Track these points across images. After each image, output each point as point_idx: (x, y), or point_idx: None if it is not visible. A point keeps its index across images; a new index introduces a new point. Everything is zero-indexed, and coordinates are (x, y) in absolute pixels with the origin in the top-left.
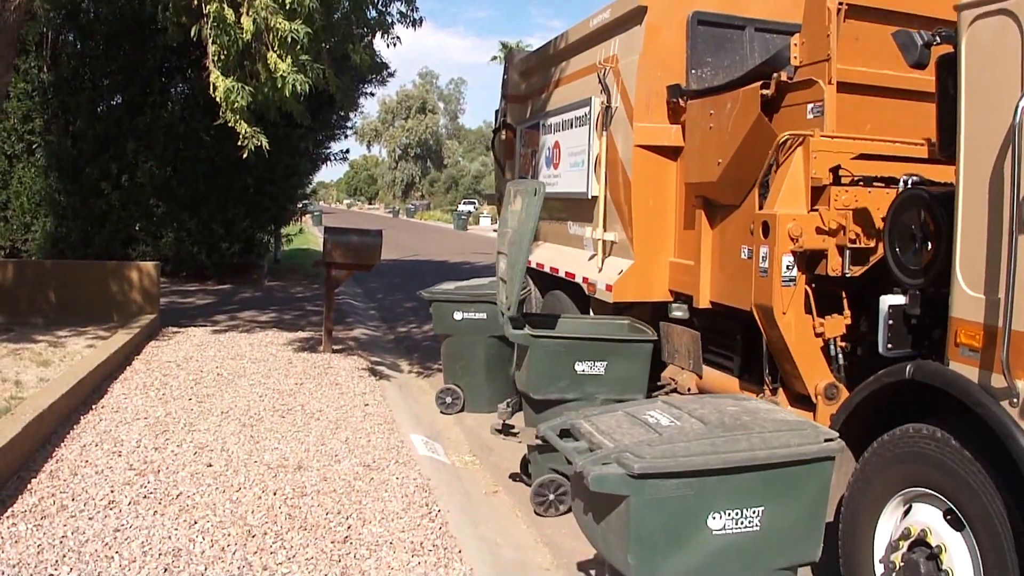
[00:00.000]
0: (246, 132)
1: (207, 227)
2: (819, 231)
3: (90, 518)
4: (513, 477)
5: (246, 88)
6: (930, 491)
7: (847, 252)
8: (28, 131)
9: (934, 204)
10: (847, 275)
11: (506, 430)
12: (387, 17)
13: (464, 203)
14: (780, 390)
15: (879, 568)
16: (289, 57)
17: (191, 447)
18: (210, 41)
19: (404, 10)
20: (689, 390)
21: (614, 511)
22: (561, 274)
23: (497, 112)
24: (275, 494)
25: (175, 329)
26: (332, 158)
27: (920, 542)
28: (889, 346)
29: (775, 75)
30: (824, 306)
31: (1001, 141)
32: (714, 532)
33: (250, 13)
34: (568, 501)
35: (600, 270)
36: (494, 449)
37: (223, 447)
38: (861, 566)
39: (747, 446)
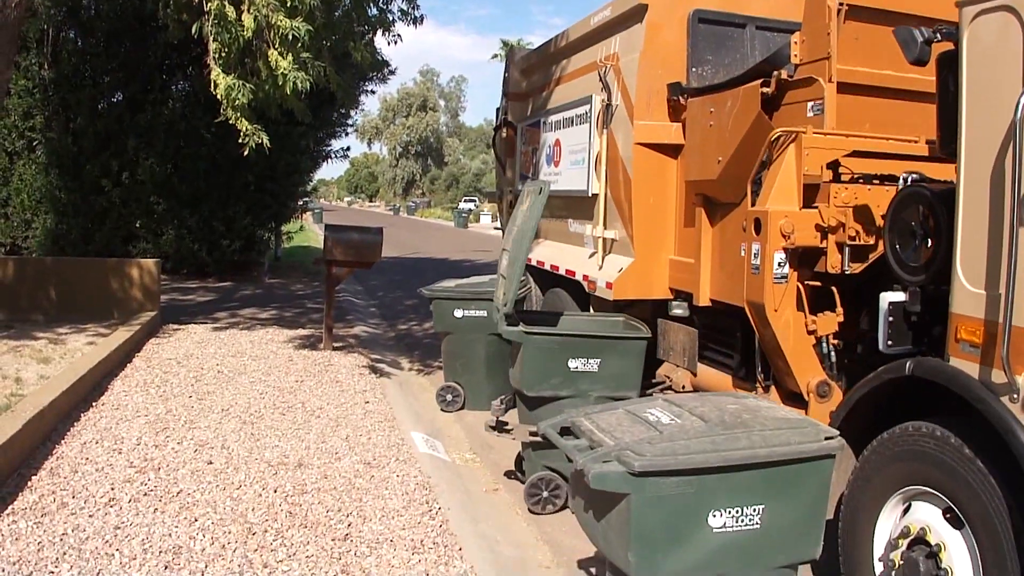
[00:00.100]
0: (247, 129)
1: (208, 224)
2: (819, 228)
3: (90, 515)
4: (508, 474)
5: (247, 85)
6: (930, 489)
7: (847, 249)
8: (29, 128)
9: (935, 201)
10: (847, 272)
11: (499, 427)
12: (388, 15)
13: (465, 201)
14: (772, 388)
15: (879, 566)
16: (290, 54)
17: (192, 444)
18: (211, 38)
19: (405, 8)
20: (684, 387)
21: (615, 509)
22: (561, 272)
23: (498, 110)
24: (275, 492)
25: (175, 326)
26: (333, 156)
27: (920, 540)
28: (889, 343)
29: (775, 73)
30: (816, 303)
31: (1002, 138)
32: (714, 530)
33: (251, 10)
34: (562, 498)
35: (600, 268)
36: (494, 447)
37: (223, 444)
38: (861, 564)
39: (747, 444)
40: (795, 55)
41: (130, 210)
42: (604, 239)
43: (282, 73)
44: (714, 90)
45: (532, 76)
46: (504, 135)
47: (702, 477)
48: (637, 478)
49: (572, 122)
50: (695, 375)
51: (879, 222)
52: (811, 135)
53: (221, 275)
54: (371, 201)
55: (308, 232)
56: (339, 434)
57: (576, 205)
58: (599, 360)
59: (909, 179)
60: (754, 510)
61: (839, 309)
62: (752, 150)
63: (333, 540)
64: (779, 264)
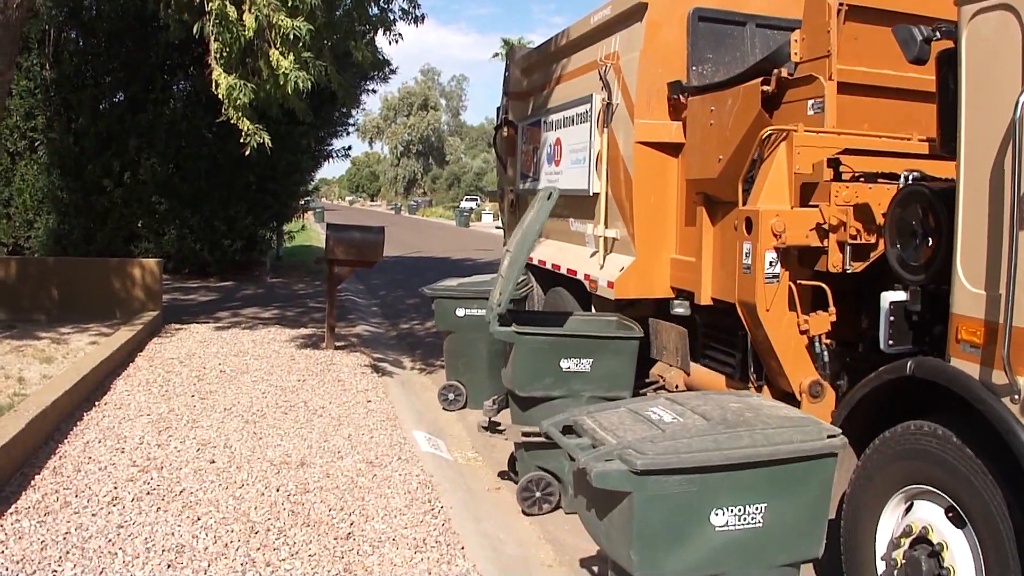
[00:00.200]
0: (248, 129)
1: (209, 224)
2: (819, 227)
3: (93, 514)
4: (502, 475)
5: (248, 85)
6: (932, 488)
7: (848, 248)
8: (30, 128)
9: (935, 200)
10: (848, 271)
11: (492, 427)
12: (389, 14)
13: (466, 200)
14: (765, 388)
15: (881, 565)
16: (291, 54)
17: (194, 443)
18: (212, 38)
19: (406, 7)
20: (677, 387)
21: (617, 507)
22: (563, 271)
23: (499, 109)
24: (278, 490)
25: (178, 326)
26: (334, 155)
27: (922, 539)
28: (890, 342)
29: (776, 71)
30: (809, 303)
31: (1002, 136)
32: (717, 528)
33: (252, 10)
34: (555, 498)
35: (602, 267)
36: (496, 446)
37: (226, 443)
38: (863, 563)
39: (750, 442)
40: (795, 53)
41: (132, 210)
42: (605, 238)
43: (283, 73)
44: (714, 88)
45: (533, 75)
46: (505, 134)
47: (704, 475)
48: (639, 476)
49: (573, 121)
50: (688, 374)
51: (880, 221)
52: (802, 133)
53: (223, 275)
54: (372, 200)
55: (310, 231)
56: (341, 433)
57: (577, 204)
58: (591, 360)
59: (910, 177)
60: (756, 508)
61: (831, 309)
62: (752, 149)
63: (335, 539)
64: (770, 263)
